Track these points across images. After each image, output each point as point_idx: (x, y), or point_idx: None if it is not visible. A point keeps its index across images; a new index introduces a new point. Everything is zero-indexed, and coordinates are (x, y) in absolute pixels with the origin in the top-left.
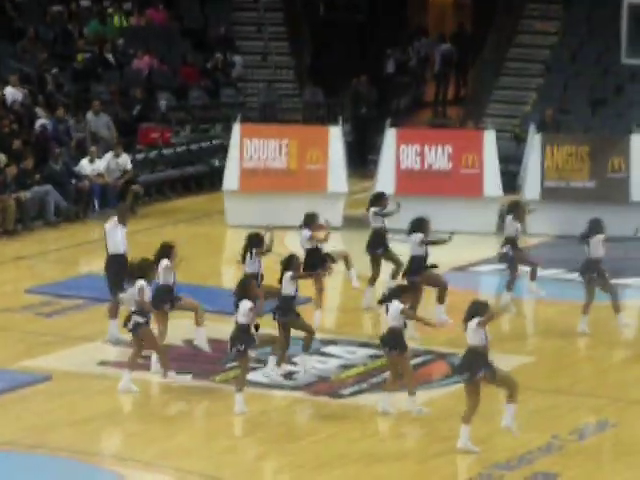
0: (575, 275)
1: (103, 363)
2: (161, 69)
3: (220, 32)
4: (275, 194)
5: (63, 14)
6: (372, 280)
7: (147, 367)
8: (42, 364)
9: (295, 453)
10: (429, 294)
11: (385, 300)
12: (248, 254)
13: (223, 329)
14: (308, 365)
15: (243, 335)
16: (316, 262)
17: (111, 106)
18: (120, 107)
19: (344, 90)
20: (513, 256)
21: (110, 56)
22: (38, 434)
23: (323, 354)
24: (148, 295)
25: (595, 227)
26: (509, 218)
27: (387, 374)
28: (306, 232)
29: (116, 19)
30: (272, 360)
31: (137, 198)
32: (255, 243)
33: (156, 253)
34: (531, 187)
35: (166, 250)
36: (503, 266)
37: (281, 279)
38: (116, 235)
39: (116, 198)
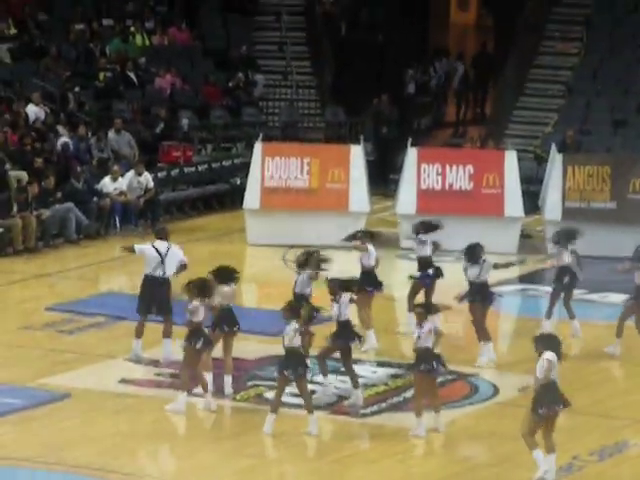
0: (596, 296)
1: (124, 381)
2: (183, 88)
3: (242, 51)
4: (296, 213)
5: (85, 33)
6: (411, 307)
7: (162, 385)
8: (62, 381)
9: (315, 472)
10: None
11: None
12: (302, 274)
13: (243, 348)
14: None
15: (296, 360)
16: (374, 282)
17: (133, 124)
18: (142, 126)
19: (365, 109)
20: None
21: (132, 75)
22: (57, 451)
23: (344, 373)
24: (201, 316)
25: None
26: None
27: (412, 394)
28: (372, 249)
29: (138, 38)
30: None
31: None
32: (313, 263)
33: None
34: (552, 208)
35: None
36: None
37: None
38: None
39: (137, 216)
